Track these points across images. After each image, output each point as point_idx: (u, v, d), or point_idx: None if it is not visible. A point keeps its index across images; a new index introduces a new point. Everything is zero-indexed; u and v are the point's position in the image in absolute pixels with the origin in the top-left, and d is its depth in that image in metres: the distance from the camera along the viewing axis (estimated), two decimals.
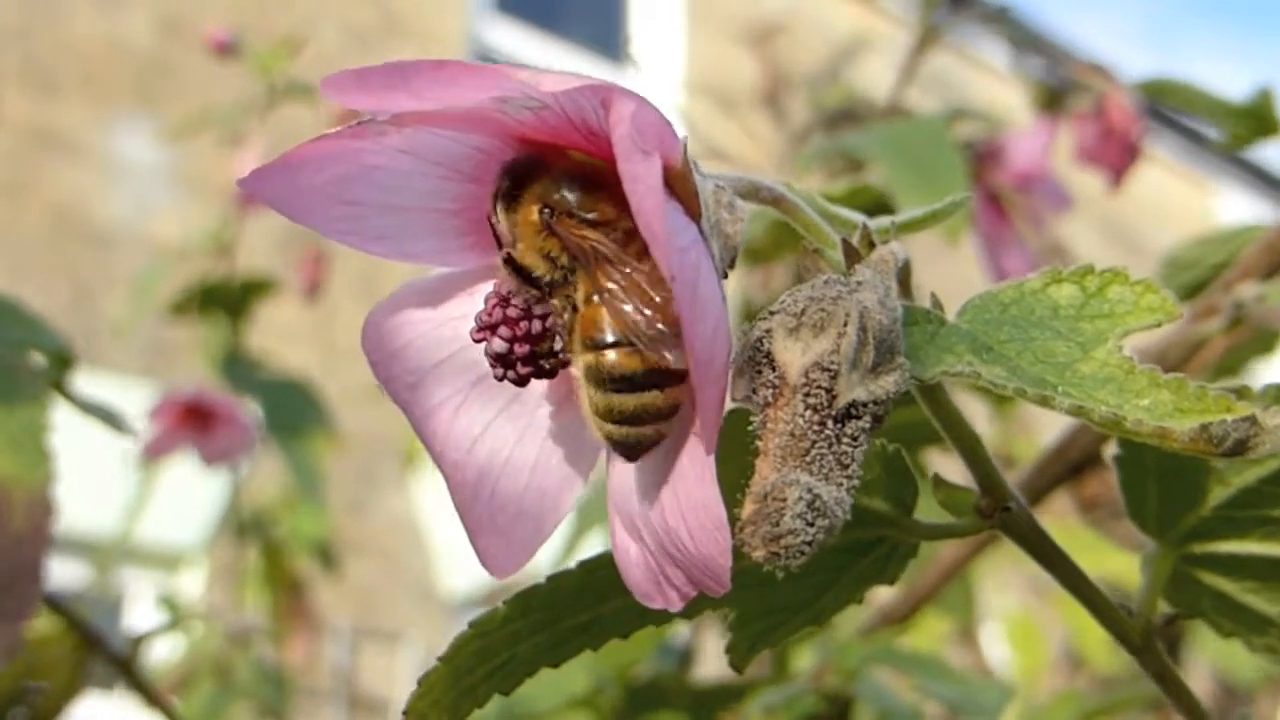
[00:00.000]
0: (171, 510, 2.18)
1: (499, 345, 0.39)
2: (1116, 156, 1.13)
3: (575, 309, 0.38)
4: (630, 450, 0.38)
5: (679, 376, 0.37)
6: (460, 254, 0.42)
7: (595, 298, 0.38)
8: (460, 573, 4.91)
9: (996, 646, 2.42)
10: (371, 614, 4.77)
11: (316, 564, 2.17)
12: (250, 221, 1.80)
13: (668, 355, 0.36)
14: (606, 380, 0.37)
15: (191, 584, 4.29)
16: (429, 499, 4.99)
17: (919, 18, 1.21)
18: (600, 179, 0.39)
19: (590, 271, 0.38)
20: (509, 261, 0.40)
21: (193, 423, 1.62)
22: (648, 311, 0.36)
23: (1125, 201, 1.23)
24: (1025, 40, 7.07)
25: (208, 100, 4.46)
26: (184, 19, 4.90)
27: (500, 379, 0.39)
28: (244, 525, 2.03)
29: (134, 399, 1.77)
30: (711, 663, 1.20)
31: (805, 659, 1.08)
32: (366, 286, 4.83)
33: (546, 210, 0.39)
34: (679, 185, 0.38)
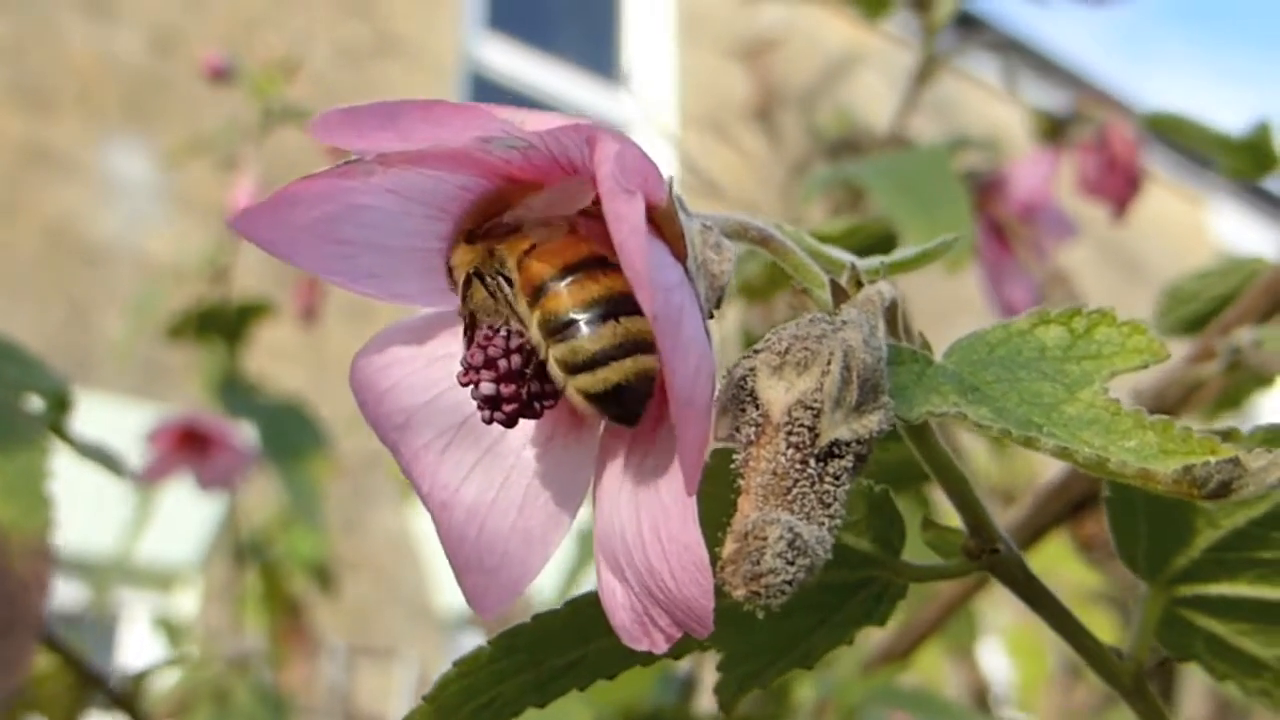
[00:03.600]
0: (166, 529, 2.18)
1: (486, 388, 0.39)
2: (1119, 187, 1.13)
3: (511, 284, 0.39)
4: (618, 404, 0.37)
5: (633, 304, 0.37)
6: (446, 293, 0.42)
7: (524, 258, 0.38)
8: (454, 590, 4.90)
9: (994, 660, 2.41)
10: (366, 632, 4.76)
11: (313, 584, 2.17)
12: (245, 243, 1.80)
13: (612, 283, 0.37)
14: (559, 324, 0.37)
15: (186, 603, 4.28)
16: (423, 517, 4.98)
17: (921, 46, 1.21)
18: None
19: (510, 242, 0.39)
20: (461, 288, 0.40)
21: (189, 447, 1.62)
22: (576, 247, 0.37)
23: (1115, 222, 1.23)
24: (1026, 62, 7.10)
25: (201, 118, 4.47)
26: (177, 37, 4.91)
27: (488, 421, 0.39)
28: (242, 547, 2.02)
29: (129, 420, 1.76)
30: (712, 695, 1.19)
31: (806, 691, 1.08)
32: (359, 307, 4.83)
33: (469, 232, 0.40)
34: (665, 225, 0.38)
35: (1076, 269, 1.33)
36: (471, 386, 0.39)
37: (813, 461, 0.35)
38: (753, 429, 0.36)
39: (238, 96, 1.82)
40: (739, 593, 0.33)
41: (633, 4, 6.67)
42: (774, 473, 0.35)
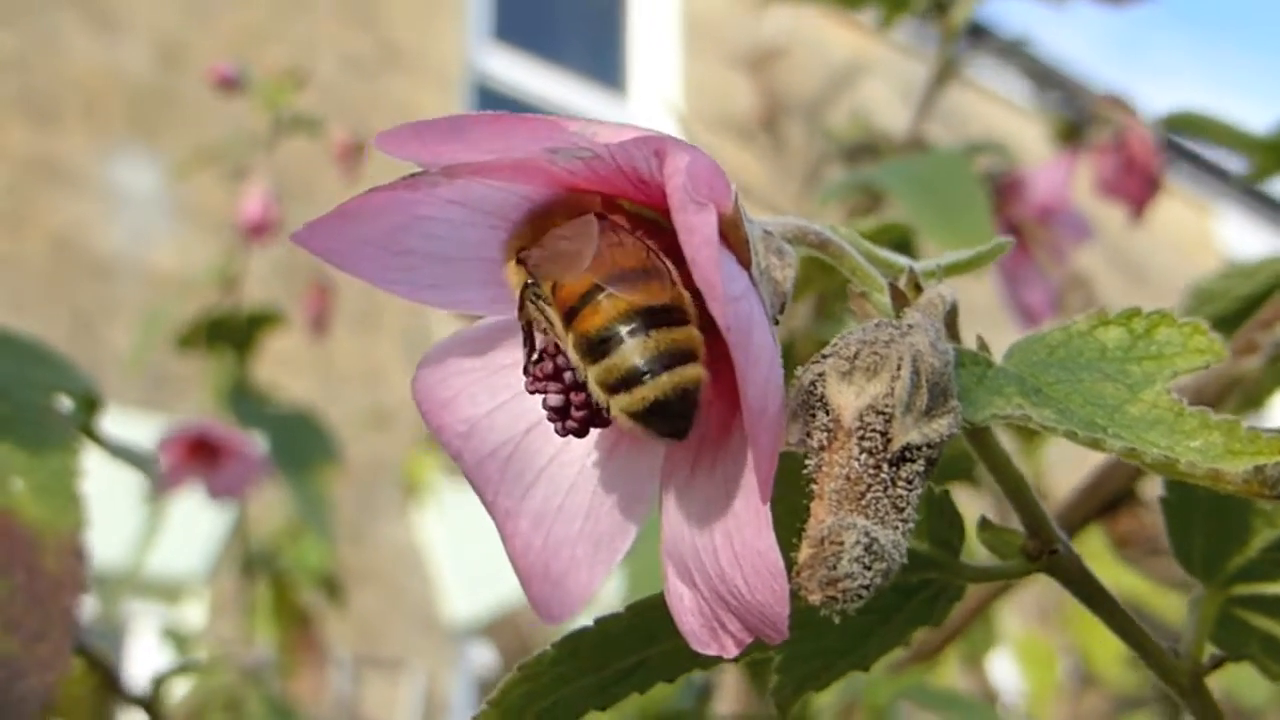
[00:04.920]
0: (173, 540, 2.18)
1: (554, 399, 0.39)
2: (1137, 189, 1.13)
3: (551, 304, 0.39)
4: (661, 421, 0.37)
5: (669, 315, 0.37)
6: (507, 302, 0.42)
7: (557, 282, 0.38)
8: (462, 600, 4.90)
9: (1003, 668, 2.41)
10: (373, 642, 4.75)
11: (321, 595, 2.17)
12: (254, 253, 1.81)
13: (637, 298, 0.37)
14: (592, 342, 0.37)
15: (193, 614, 4.28)
16: (430, 526, 4.98)
17: (938, 50, 1.21)
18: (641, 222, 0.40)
19: (541, 267, 0.39)
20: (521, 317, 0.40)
21: (200, 457, 1.62)
22: (603, 266, 0.37)
23: (1126, 226, 1.24)
24: (1039, 72, 7.10)
25: (207, 129, 4.48)
26: (182, 48, 4.92)
27: (561, 433, 0.39)
28: (251, 558, 2.03)
29: (136, 430, 1.76)
30: (729, 699, 1.20)
31: (827, 693, 1.08)
32: (366, 315, 4.83)
33: (521, 249, 0.40)
34: (730, 233, 0.38)
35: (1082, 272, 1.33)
36: (540, 396, 0.39)
37: (885, 466, 0.35)
38: (824, 434, 0.36)
39: (243, 107, 1.83)
40: (815, 597, 0.34)
41: (638, 14, 6.68)
42: (847, 478, 0.35)
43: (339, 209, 0.39)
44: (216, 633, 3.83)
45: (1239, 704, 2.31)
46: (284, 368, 3.82)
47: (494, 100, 5.90)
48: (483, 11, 6.04)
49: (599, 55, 6.55)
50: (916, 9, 1.18)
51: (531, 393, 0.39)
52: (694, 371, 0.37)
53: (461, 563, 4.86)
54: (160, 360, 2.60)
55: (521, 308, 0.40)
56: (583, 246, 0.37)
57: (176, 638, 2.34)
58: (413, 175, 0.39)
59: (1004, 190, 1.18)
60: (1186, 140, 1.11)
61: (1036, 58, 7.39)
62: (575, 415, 0.39)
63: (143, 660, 4.17)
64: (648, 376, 0.36)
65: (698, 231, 0.33)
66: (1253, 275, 0.82)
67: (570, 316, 0.38)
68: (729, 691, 1.20)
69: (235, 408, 1.79)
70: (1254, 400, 0.88)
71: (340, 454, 1.81)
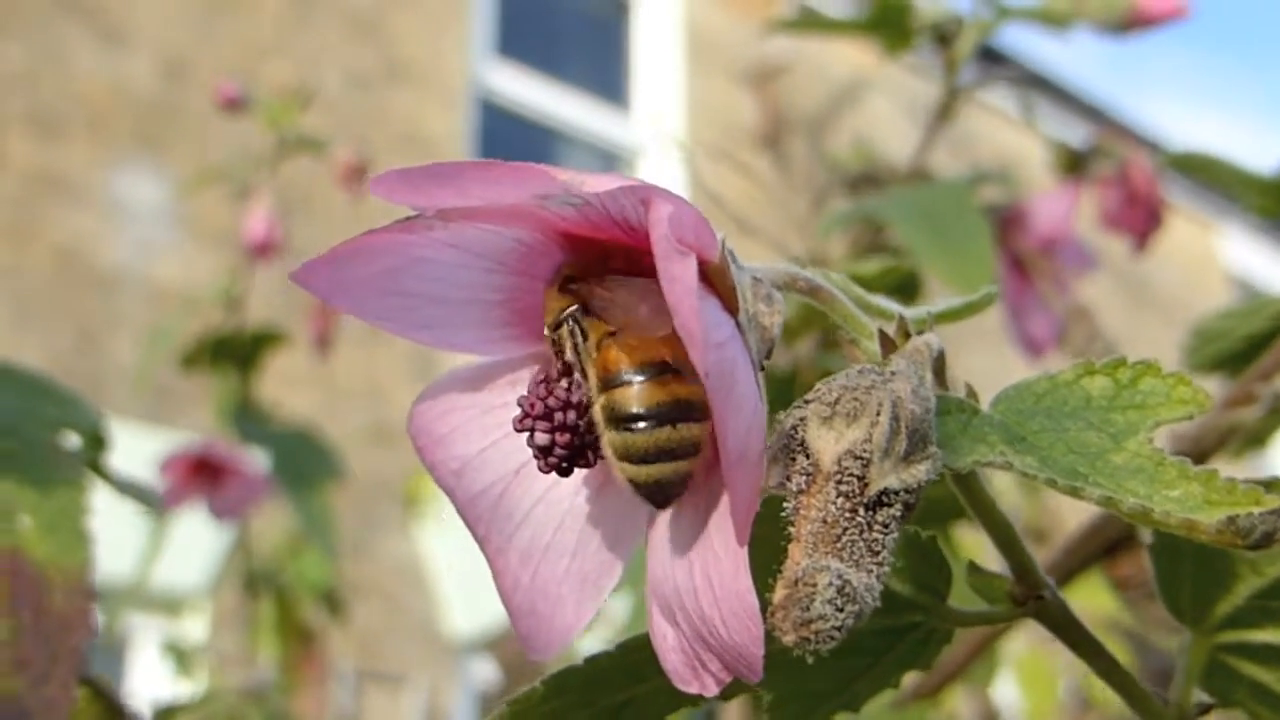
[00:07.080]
0: (175, 554, 2.18)
1: (541, 438, 0.39)
2: (1140, 222, 1.14)
3: (592, 358, 0.40)
4: (655, 494, 0.39)
5: (694, 412, 0.38)
6: (503, 343, 0.43)
7: (606, 340, 0.39)
8: (463, 614, 4.90)
9: (1004, 687, 2.41)
10: (375, 657, 4.75)
11: (322, 610, 2.17)
12: (258, 272, 1.82)
13: (678, 390, 0.38)
14: (620, 418, 0.38)
15: (195, 629, 4.28)
16: (431, 541, 4.98)
17: (942, 81, 1.20)
18: (639, 267, 0.40)
19: (601, 316, 0.39)
20: (550, 341, 0.41)
21: (203, 477, 1.63)
22: (656, 347, 0.38)
23: (1130, 252, 1.24)
24: (1040, 91, 7.10)
25: (210, 144, 4.50)
26: (187, 63, 4.93)
27: (544, 470, 0.40)
28: (254, 575, 2.03)
29: (138, 445, 1.77)
30: None
31: None
32: (369, 331, 4.83)
33: (569, 277, 0.41)
34: (717, 280, 0.39)
35: (1086, 293, 1.33)
36: (527, 434, 0.40)
37: (862, 510, 0.36)
38: (803, 478, 0.36)
39: (248, 122, 1.83)
40: (788, 638, 0.34)
41: (641, 30, 6.70)
42: (824, 521, 0.35)
43: (336, 250, 0.39)
44: (218, 647, 3.83)
45: None
46: (287, 383, 3.83)
47: (498, 115, 5.91)
48: (487, 27, 6.05)
49: (602, 71, 6.56)
50: (919, 42, 1.18)
51: (519, 430, 0.40)
52: (693, 464, 0.39)
53: (463, 577, 4.85)
54: (163, 375, 2.60)
55: (555, 329, 0.41)
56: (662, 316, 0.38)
57: (177, 652, 2.34)
58: (408, 218, 0.39)
59: (1007, 221, 1.18)
60: (1190, 178, 1.11)
61: (1046, 80, 7.40)
62: (559, 455, 0.39)
63: (143, 674, 4.17)
64: (660, 459, 0.38)
65: (679, 280, 0.34)
66: (1255, 314, 0.82)
67: (608, 382, 0.39)
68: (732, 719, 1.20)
69: (238, 426, 1.79)
70: (1258, 439, 0.88)
71: (343, 471, 1.81)
